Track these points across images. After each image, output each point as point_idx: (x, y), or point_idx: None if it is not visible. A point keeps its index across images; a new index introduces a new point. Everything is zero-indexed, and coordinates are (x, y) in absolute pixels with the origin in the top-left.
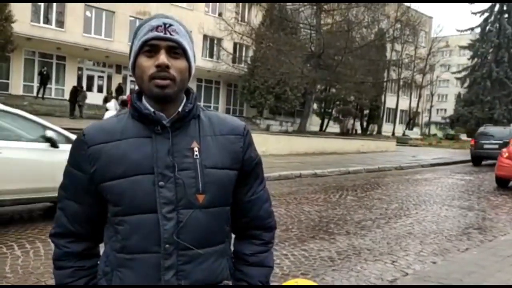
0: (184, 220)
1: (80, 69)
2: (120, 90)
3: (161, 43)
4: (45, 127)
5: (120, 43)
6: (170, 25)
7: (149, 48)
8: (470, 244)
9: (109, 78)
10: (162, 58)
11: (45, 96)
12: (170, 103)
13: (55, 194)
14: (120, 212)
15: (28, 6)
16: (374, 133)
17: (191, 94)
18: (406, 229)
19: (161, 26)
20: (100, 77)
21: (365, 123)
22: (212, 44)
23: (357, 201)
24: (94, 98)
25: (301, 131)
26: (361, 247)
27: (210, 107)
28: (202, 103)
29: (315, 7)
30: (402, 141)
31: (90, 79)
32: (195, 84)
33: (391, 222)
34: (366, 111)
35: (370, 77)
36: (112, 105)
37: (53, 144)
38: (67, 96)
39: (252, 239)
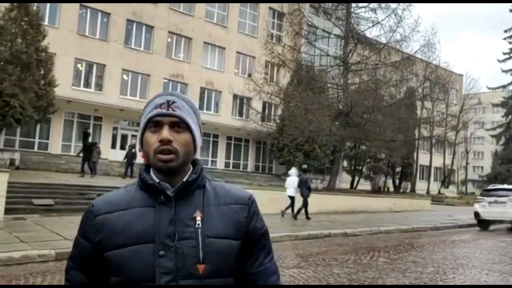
0: None
1: (115, 128)
2: None
3: (164, 119)
4: None
5: None
6: (173, 102)
7: (153, 124)
8: None
9: None
10: (165, 133)
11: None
12: (175, 174)
13: None
14: (120, 283)
15: (70, 71)
16: (408, 191)
17: (197, 165)
18: None
19: (164, 103)
20: (133, 136)
21: (397, 181)
22: (241, 103)
23: (389, 264)
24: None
25: (331, 188)
26: None
27: (239, 164)
28: (231, 161)
29: (341, 68)
30: (438, 199)
31: (124, 138)
32: (225, 142)
33: None
34: (398, 169)
35: (400, 135)
36: (293, 172)
37: None
38: (103, 155)
39: None
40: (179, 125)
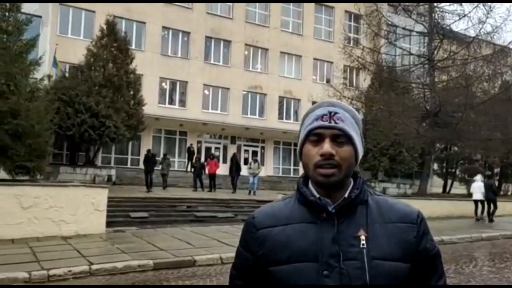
0: None
1: (199, 142)
2: (234, 159)
3: (325, 132)
4: None
5: (235, 116)
6: (335, 113)
7: (314, 136)
8: None
9: (225, 148)
10: (326, 147)
11: (188, 170)
12: (336, 189)
13: None
14: None
15: (156, 90)
16: (509, 193)
17: (359, 179)
18: None
19: (326, 114)
20: (216, 148)
21: (497, 183)
22: None
23: (495, 273)
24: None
25: (422, 193)
26: None
27: None
28: None
29: (426, 66)
30: None
31: (208, 150)
32: None
33: None
34: (497, 169)
35: (497, 133)
36: (479, 178)
37: None
38: (188, 168)
39: None
40: (341, 137)
